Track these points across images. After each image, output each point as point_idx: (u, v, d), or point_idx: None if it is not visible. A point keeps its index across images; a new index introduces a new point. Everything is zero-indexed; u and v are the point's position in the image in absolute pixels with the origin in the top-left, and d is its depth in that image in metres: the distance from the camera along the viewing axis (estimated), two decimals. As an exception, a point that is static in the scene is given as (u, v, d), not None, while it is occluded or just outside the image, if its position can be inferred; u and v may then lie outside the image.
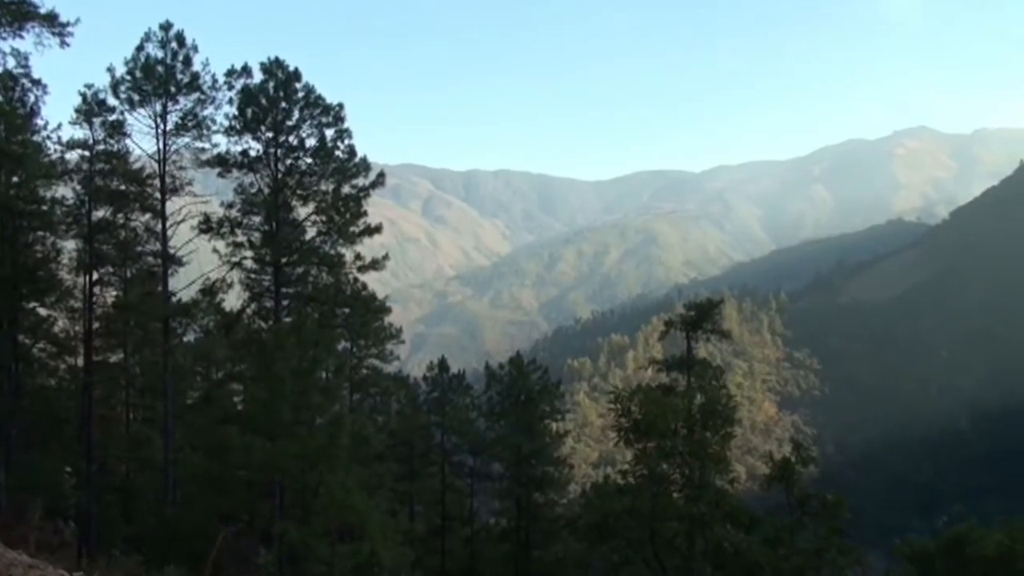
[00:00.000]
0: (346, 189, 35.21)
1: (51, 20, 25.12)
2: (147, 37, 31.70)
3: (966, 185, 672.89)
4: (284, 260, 35.05)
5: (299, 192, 35.24)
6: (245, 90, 33.49)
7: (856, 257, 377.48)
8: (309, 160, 34.82)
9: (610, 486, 30.00)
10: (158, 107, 32.36)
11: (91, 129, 31.34)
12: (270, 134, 34.21)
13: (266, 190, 34.68)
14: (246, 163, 34.48)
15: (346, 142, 34.65)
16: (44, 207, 31.63)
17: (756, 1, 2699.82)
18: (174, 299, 34.15)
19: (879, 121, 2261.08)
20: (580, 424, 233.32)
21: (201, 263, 35.30)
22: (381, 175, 35.93)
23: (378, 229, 36.45)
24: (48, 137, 30.95)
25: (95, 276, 32.81)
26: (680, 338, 34.95)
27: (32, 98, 29.75)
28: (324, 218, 35.29)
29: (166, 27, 31.90)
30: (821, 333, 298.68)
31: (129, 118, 32.12)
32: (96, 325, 33.20)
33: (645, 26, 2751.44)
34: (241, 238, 34.83)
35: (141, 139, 32.78)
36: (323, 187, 35.14)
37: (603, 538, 29.13)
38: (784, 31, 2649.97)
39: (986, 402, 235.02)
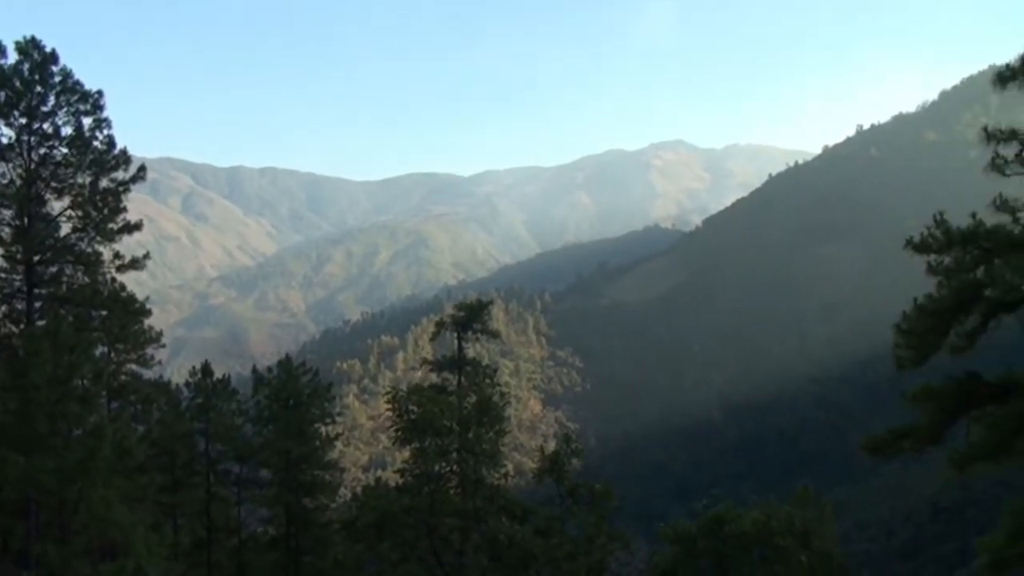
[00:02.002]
0: (104, 183, 33.09)
1: None
2: None
3: (718, 196, 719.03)
4: (37, 258, 32.54)
5: (54, 184, 32.79)
6: (-4, 71, 30.96)
7: (616, 261, 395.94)
8: (65, 150, 32.51)
9: (385, 487, 30.11)
10: None
11: None
12: (23, 120, 31.70)
13: (18, 181, 31.97)
14: (-4, 151, 31.81)
15: (105, 132, 32.63)
16: None
17: (518, 11, 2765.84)
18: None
19: (638, 133, 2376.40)
20: (350, 427, 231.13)
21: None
22: (142, 169, 34.23)
23: (138, 226, 34.62)
24: None
25: None
26: (450, 339, 35.46)
27: None
28: (80, 213, 33.02)
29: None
30: (583, 333, 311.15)
31: None
32: None
33: (416, 30, 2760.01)
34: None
35: None
36: (80, 180, 32.85)
37: (381, 538, 29.22)
38: (548, 42, 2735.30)
39: (737, 395, 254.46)
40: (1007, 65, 14.46)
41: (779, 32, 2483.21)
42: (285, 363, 45.38)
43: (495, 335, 38.05)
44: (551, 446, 32.33)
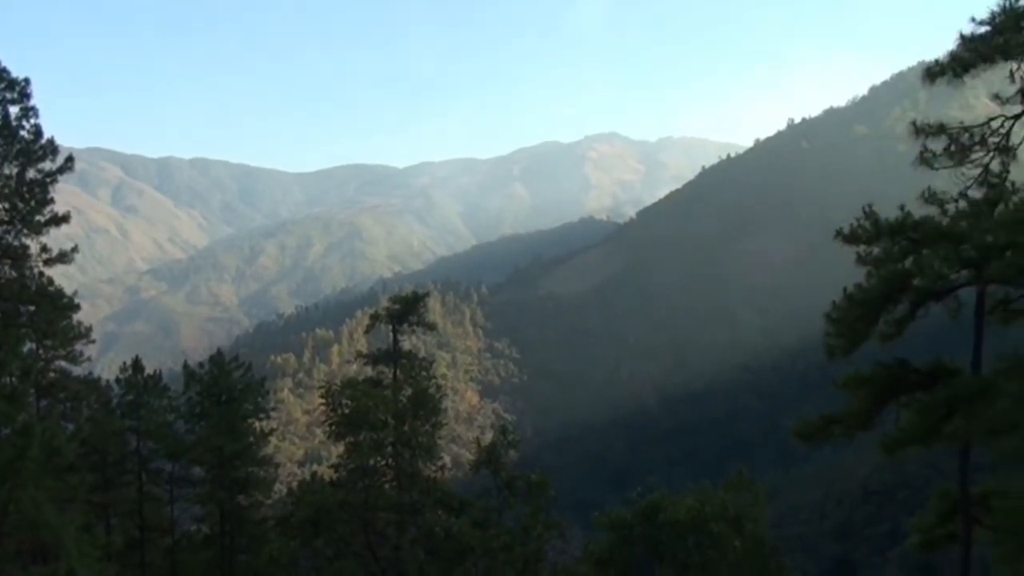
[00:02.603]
0: (31, 173, 32.10)
1: None
2: None
3: (652, 188, 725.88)
4: (-40, 253, 31.64)
5: (-22, 176, 31.83)
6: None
7: (552, 253, 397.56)
8: (-10, 140, 31.57)
9: (320, 482, 29.88)
10: None
11: None
12: (-54, 108, 30.63)
13: (-60, 173, 31.10)
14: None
15: (32, 121, 31.63)
16: None
17: (453, 2, 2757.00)
18: None
19: (573, 125, 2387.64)
20: (285, 422, 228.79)
21: None
22: (70, 159, 33.32)
23: (66, 218, 33.65)
24: None
25: None
26: (385, 332, 35.20)
27: None
28: (7, 205, 31.97)
29: None
30: (520, 324, 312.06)
31: None
32: None
33: (350, 19, 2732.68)
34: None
35: None
36: (6, 171, 31.85)
37: (316, 533, 28.98)
38: (483, 32, 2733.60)
39: (672, 384, 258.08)
40: (936, 61, 14.82)
41: (712, 26, 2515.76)
42: (217, 358, 44.51)
43: (431, 327, 37.84)
44: (488, 438, 32.32)
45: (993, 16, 13.80)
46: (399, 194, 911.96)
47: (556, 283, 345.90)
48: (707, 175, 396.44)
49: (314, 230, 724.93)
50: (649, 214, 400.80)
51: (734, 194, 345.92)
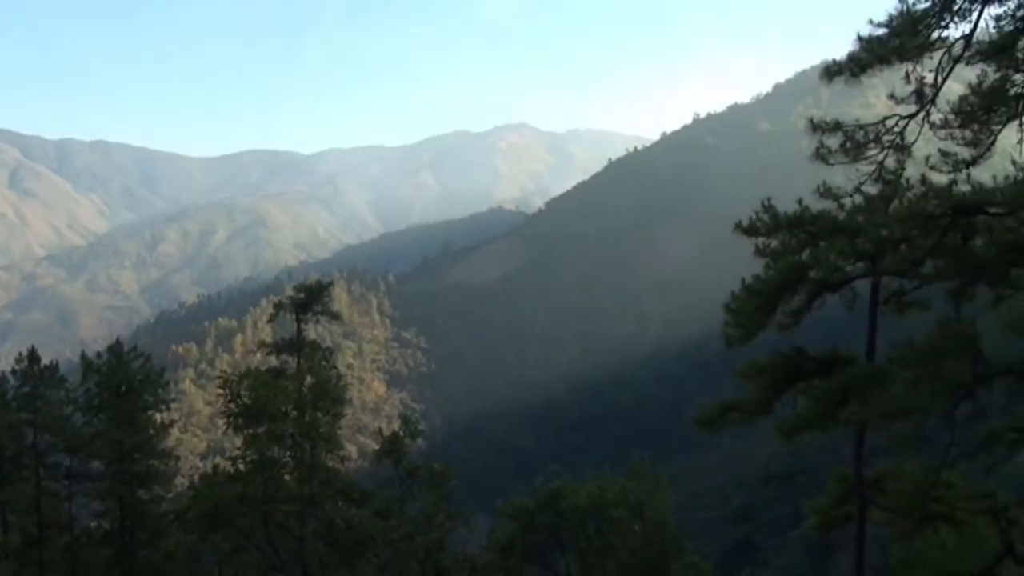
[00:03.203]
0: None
1: None
2: None
3: (561, 179, 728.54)
4: None
5: None
6: None
7: (460, 242, 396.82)
8: None
9: (221, 474, 29.25)
10: None
11: None
12: None
13: None
14: None
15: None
16: None
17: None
18: None
19: (483, 115, 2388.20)
20: (187, 413, 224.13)
21: None
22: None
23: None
24: None
25: None
26: (290, 321, 34.69)
27: None
28: None
29: None
30: (428, 314, 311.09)
31: None
32: None
33: (256, 3, 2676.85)
34: None
35: None
36: None
37: (215, 527, 28.38)
38: (392, 18, 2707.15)
39: (578, 373, 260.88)
40: (834, 60, 15.17)
41: (621, 20, 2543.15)
42: (115, 348, 43.12)
43: (336, 316, 37.35)
44: (395, 427, 32.10)
45: (891, 19, 14.16)
46: (305, 181, 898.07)
47: (464, 273, 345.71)
48: (614, 167, 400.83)
49: (218, 217, 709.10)
50: (557, 205, 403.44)
51: (640, 186, 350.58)
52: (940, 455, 18.13)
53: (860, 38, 14.51)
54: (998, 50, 14.51)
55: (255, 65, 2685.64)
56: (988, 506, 19.46)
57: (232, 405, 27.40)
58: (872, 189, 18.01)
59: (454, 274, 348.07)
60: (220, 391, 28.48)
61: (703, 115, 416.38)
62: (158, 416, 43.46)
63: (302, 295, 34.32)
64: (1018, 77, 14.82)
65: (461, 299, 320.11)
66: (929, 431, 18.20)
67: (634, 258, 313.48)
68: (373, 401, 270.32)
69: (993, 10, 13.80)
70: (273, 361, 33.94)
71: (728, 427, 20.21)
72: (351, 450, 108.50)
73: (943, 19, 13.63)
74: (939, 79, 14.37)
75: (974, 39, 13.97)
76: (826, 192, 17.90)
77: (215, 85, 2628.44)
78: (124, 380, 41.56)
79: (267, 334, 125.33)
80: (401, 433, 29.97)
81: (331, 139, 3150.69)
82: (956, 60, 14.14)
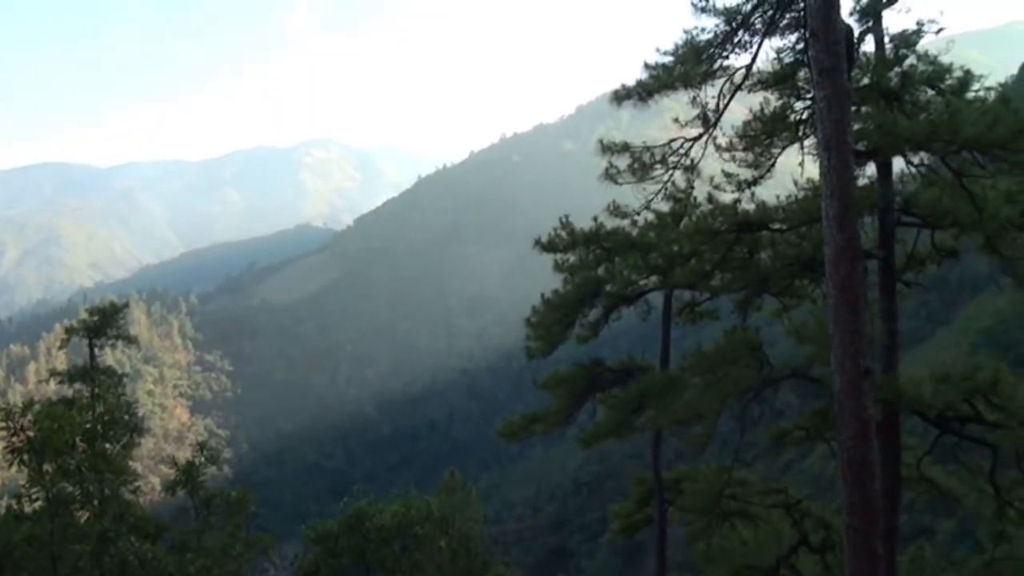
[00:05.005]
0: None
1: None
2: None
3: (369, 195, 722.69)
4: None
5: None
6: None
7: (266, 260, 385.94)
8: None
9: (8, 515, 27.18)
10: None
11: None
12: None
13: None
14: None
15: None
16: None
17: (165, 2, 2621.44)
18: None
19: (289, 131, 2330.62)
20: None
21: None
22: None
23: None
24: None
25: None
26: (85, 347, 32.81)
27: None
28: None
29: None
30: (232, 335, 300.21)
31: None
32: None
33: (49, 7, 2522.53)
34: None
35: None
36: None
37: (2, 573, 26.40)
38: (192, 30, 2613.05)
39: (390, 390, 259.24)
40: (623, 85, 15.80)
41: (429, 40, 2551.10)
42: None
43: (131, 340, 35.28)
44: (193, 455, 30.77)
45: (676, 48, 14.85)
46: (101, 196, 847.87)
47: (271, 291, 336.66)
48: (423, 184, 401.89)
49: (7, 234, 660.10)
50: (366, 221, 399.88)
51: (449, 203, 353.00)
52: (732, 455, 19.17)
53: (647, 65, 15.19)
54: (779, 79, 15.61)
55: (47, 71, 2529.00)
56: (781, 500, 20.79)
57: (15, 439, 25.53)
58: (664, 207, 18.98)
59: (259, 293, 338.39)
60: (2, 424, 26.45)
61: (510, 135, 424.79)
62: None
63: (95, 318, 32.39)
64: (798, 104, 15.97)
65: (267, 318, 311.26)
66: (728, 434, 19.30)
67: (444, 274, 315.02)
68: (176, 429, 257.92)
69: (775, 43, 14.75)
70: (67, 390, 31.96)
71: (532, 437, 20.71)
72: (154, 481, 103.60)
73: (725, 50, 14.37)
74: (721, 104, 15.18)
75: (755, 68, 14.83)
76: (616, 211, 18.73)
77: (2, 91, 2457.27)
78: None
79: (61, 361, 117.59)
80: (196, 461, 28.74)
81: (129, 152, 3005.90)
82: (737, 87, 14.96)
